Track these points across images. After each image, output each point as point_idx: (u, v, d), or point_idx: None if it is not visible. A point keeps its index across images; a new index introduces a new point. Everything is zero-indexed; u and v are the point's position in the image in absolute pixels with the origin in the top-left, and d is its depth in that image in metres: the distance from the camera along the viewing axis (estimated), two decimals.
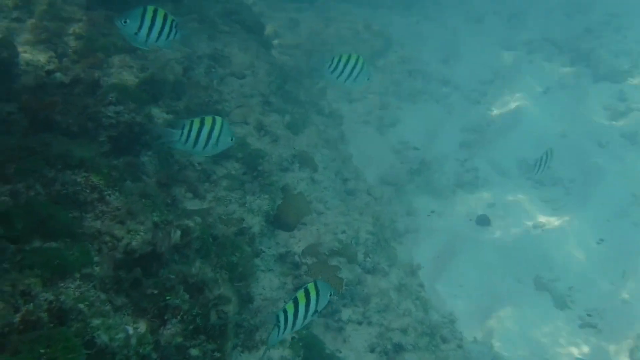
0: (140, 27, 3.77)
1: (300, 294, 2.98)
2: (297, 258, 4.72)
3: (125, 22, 3.77)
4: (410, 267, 5.73)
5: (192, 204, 4.59)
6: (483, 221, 7.04)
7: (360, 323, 4.59)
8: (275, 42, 11.49)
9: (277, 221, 5.03)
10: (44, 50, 5.14)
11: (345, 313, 4.60)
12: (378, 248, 5.45)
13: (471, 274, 6.28)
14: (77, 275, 2.67)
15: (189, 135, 3.49)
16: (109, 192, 3.33)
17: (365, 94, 10.10)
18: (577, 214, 6.92)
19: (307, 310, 2.99)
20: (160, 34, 3.86)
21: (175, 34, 3.92)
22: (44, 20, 5.34)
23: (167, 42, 3.97)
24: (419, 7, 13.00)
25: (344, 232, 5.24)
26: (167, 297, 2.94)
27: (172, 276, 3.07)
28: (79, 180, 3.31)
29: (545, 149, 5.53)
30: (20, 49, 4.98)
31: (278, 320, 2.92)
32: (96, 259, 2.94)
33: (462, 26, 11.88)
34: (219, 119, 3.57)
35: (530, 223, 7.00)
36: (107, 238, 3.15)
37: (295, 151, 5.88)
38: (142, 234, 3.23)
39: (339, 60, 4.36)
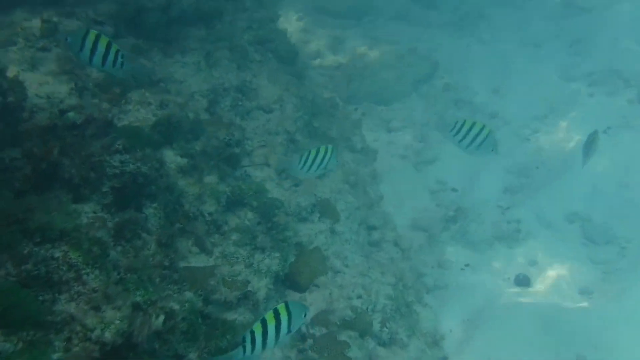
0: (81, 48, 3.80)
1: (270, 315, 2.95)
2: (303, 329, 4.33)
3: (66, 39, 3.82)
4: (432, 337, 5.23)
5: (197, 260, 4.29)
6: (522, 282, 6.42)
7: None
8: (316, 62, 11.18)
9: (289, 280, 4.66)
10: (66, 81, 4.98)
11: None
12: (397, 315, 4.99)
13: (504, 344, 5.67)
14: None
15: (305, 163, 4.25)
16: (88, 270, 3.05)
17: (407, 124, 9.62)
18: (631, 282, 6.17)
19: (277, 331, 2.95)
20: (104, 59, 3.84)
21: (122, 64, 3.89)
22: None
23: (115, 70, 3.93)
24: (472, 28, 12.30)
25: (360, 297, 4.82)
26: None
27: None
28: (57, 255, 3.05)
29: (590, 132, 4.96)
30: (42, 79, 4.86)
31: (244, 340, 2.87)
32: (56, 355, 2.65)
33: (518, 51, 11.10)
34: (330, 148, 4.24)
35: (576, 288, 6.31)
36: (78, 327, 2.86)
37: (316, 199, 5.49)
38: (117, 322, 2.93)
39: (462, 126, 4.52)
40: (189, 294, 3.51)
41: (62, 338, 2.79)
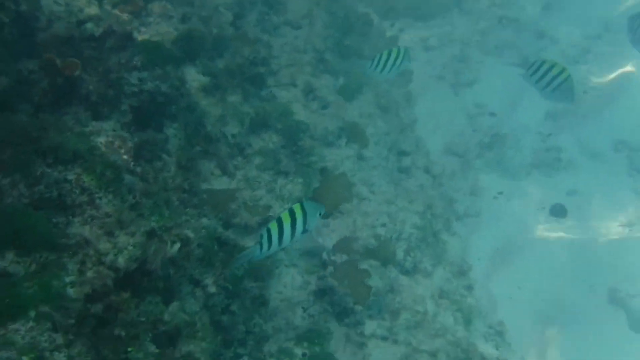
0: None
1: (285, 214, 3.00)
2: (325, 255, 4.26)
3: None
4: (459, 266, 5.12)
5: (219, 183, 4.19)
6: (558, 212, 6.15)
7: (385, 339, 4.12)
8: None
9: None
10: None
11: (370, 326, 4.14)
12: (423, 244, 4.86)
13: (534, 274, 5.53)
14: (33, 314, 2.36)
15: (378, 65, 4.49)
16: (101, 194, 2.97)
17: (445, 42, 9.03)
18: None
19: (293, 230, 3.00)
20: None
21: None
22: None
23: None
24: None
25: (384, 225, 4.69)
26: (129, 350, 2.60)
27: (142, 319, 2.71)
28: (70, 177, 2.96)
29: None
30: None
31: (261, 237, 2.94)
32: (69, 279, 2.62)
33: None
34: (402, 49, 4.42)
35: (616, 221, 6.02)
36: (92, 252, 2.82)
37: (344, 123, 5.24)
38: (130, 248, 2.88)
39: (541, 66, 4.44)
40: (205, 220, 3.43)
41: (76, 261, 2.75)
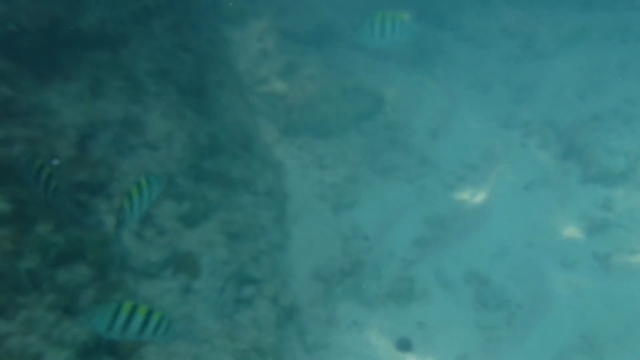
0: None
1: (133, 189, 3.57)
2: None
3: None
4: None
5: None
6: (403, 346, 6.05)
7: None
8: (263, 88, 10.87)
9: (105, 349, 4.27)
10: None
11: None
12: None
13: None
14: None
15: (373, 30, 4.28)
16: None
17: (339, 162, 9.28)
18: (507, 352, 5.80)
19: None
20: None
21: None
22: None
23: None
24: (429, 65, 11.99)
25: None
26: None
27: None
28: None
29: None
30: None
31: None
32: None
33: (465, 93, 10.80)
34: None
35: (453, 355, 5.94)
36: None
37: (171, 253, 5.12)
38: None
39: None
40: None
41: None
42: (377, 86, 10.65)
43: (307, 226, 7.86)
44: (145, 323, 3.13)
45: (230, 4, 11.73)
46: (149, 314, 3.15)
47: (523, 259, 6.89)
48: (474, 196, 8.15)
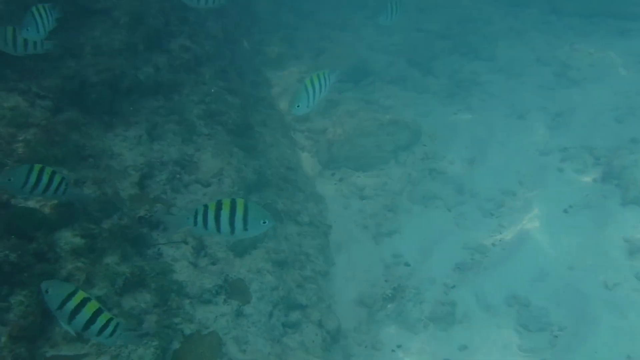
0: (25, 184, 4.11)
1: (226, 202, 3.49)
2: None
3: (9, 180, 4.07)
4: None
5: (69, 348, 4.39)
6: None
7: None
8: (305, 125, 11.38)
9: None
10: None
11: None
12: None
13: None
14: None
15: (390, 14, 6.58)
16: None
17: (379, 191, 9.58)
18: None
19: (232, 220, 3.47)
20: (46, 189, 4.21)
21: (64, 192, 4.30)
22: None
23: (57, 196, 4.34)
24: (464, 95, 12.29)
25: None
26: None
27: None
28: None
29: None
30: None
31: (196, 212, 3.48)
32: None
33: (501, 122, 11.00)
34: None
35: None
36: None
37: (223, 280, 5.55)
38: None
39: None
40: None
41: None
42: (414, 118, 11.00)
43: (350, 254, 8.19)
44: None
45: (273, 48, 12.46)
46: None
47: (565, 282, 6.97)
48: (513, 221, 8.29)
